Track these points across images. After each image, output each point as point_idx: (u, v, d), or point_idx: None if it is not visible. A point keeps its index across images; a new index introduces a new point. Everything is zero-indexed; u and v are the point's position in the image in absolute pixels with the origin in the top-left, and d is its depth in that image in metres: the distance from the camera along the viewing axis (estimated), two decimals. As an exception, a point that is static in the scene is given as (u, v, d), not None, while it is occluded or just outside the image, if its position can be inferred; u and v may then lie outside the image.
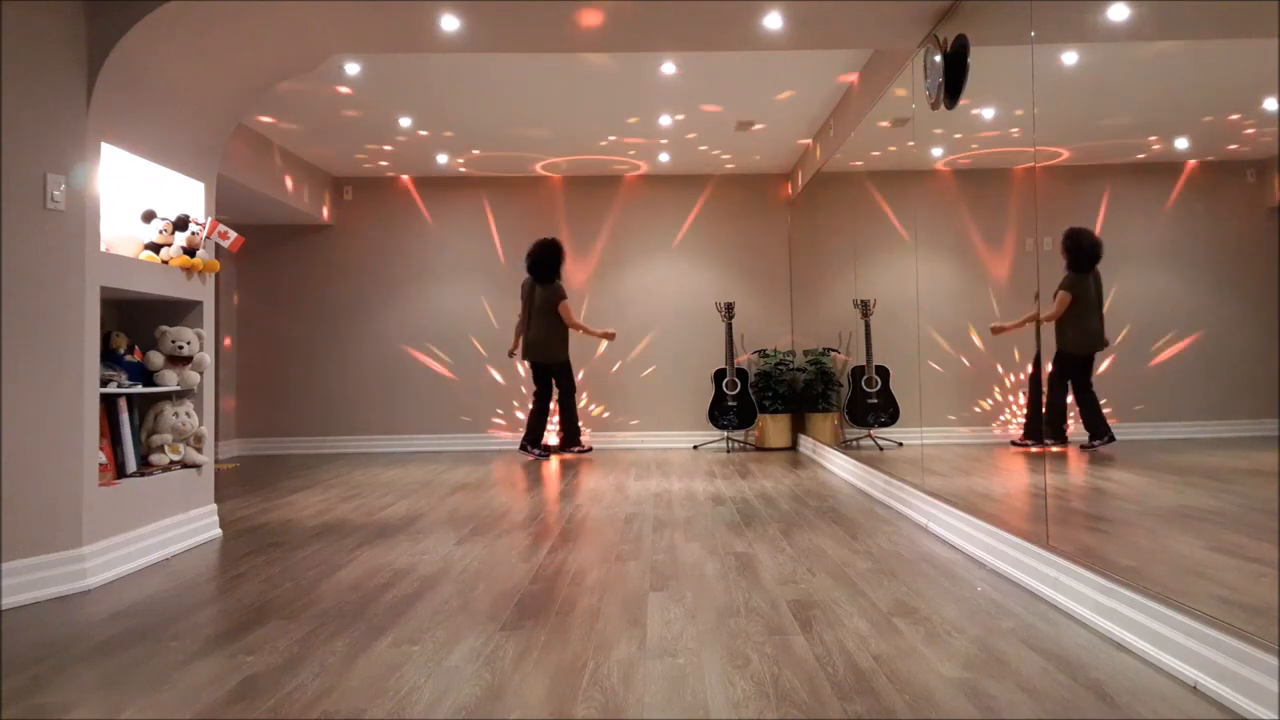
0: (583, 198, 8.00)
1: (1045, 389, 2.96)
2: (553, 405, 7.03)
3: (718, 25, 3.85)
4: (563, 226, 7.95)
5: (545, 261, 6.87)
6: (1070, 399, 2.83)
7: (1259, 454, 1.96)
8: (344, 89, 5.46)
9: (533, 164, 7.56)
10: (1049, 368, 2.94)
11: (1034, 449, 3.11)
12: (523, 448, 6.99)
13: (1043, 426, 2.96)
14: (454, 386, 7.95)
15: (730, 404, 7.53)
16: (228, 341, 7.77)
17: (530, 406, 7.14)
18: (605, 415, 7.97)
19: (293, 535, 3.95)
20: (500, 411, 7.95)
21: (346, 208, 8.02)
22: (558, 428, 7.11)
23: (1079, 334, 2.72)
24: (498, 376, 7.96)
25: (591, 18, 3.73)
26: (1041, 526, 2.81)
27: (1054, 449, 2.90)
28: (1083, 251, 2.65)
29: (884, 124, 4.74)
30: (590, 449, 7.20)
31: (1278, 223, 1.85)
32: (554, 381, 6.93)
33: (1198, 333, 2.20)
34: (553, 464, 6.65)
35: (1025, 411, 3.23)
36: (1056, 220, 2.80)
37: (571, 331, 6.97)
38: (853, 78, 5.39)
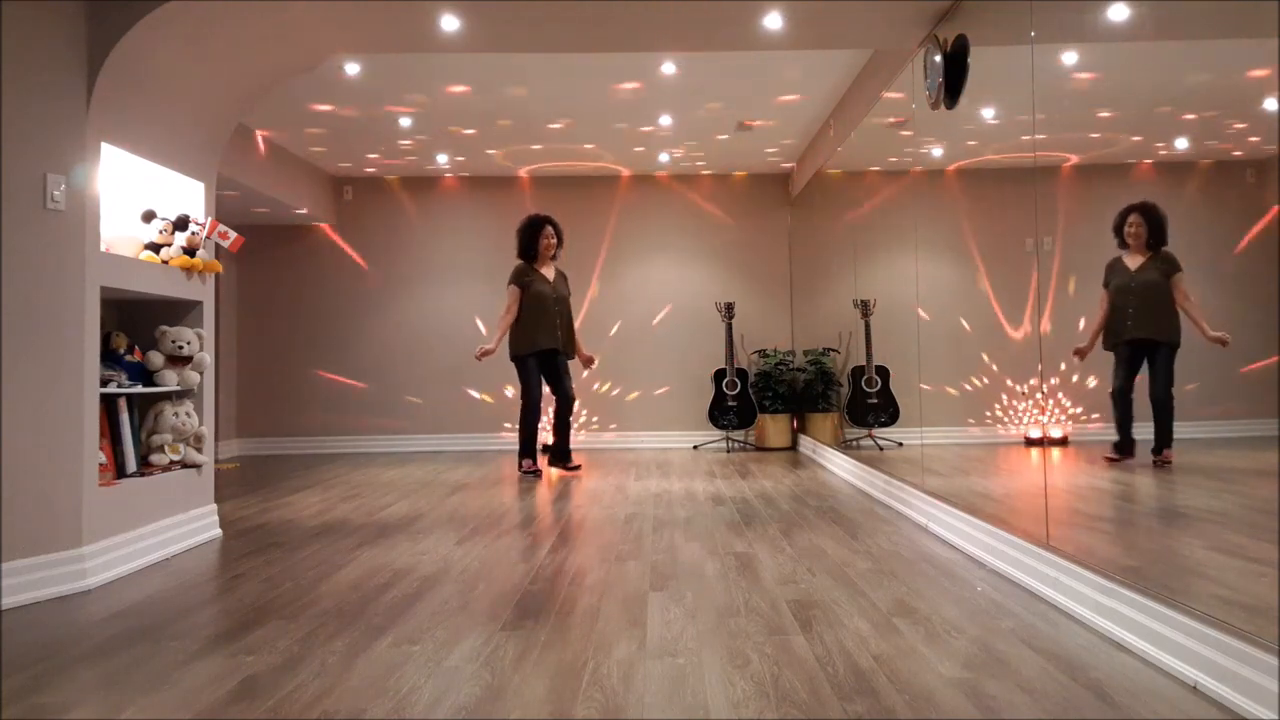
0: (583, 198, 8.00)
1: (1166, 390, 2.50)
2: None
3: (718, 25, 3.85)
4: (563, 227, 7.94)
5: (517, 238, 6.02)
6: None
7: (1259, 454, 1.96)
8: (344, 90, 5.46)
9: (533, 164, 7.56)
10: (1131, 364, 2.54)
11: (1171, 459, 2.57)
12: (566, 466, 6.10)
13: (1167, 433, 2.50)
14: (454, 386, 7.95)
15: (730, 404, 7.53)
16: (235, 342, 7.76)
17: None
18: (604, 416, 7.97)
19: (293, 535, 3.95)
20: (501, 411, 7.94)
21: (346, 208, 8.02)
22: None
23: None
24: (499, 377, 7.96)
25: (591, 18, 3.73)
26: (1041, 526, 2.81)
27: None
28: (1164, 225, 2.35)
29: (884, 124, 4.73)
30: (539, 473, 5.98)
31: (1278, 223, 1.85)
32: None
33: (1196, 332, 2.20)
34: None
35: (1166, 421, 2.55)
36: (1056, 220, 2.80)
37: (507, 324, 5.85)
38: (853, 78, 5.39)
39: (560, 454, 6.09)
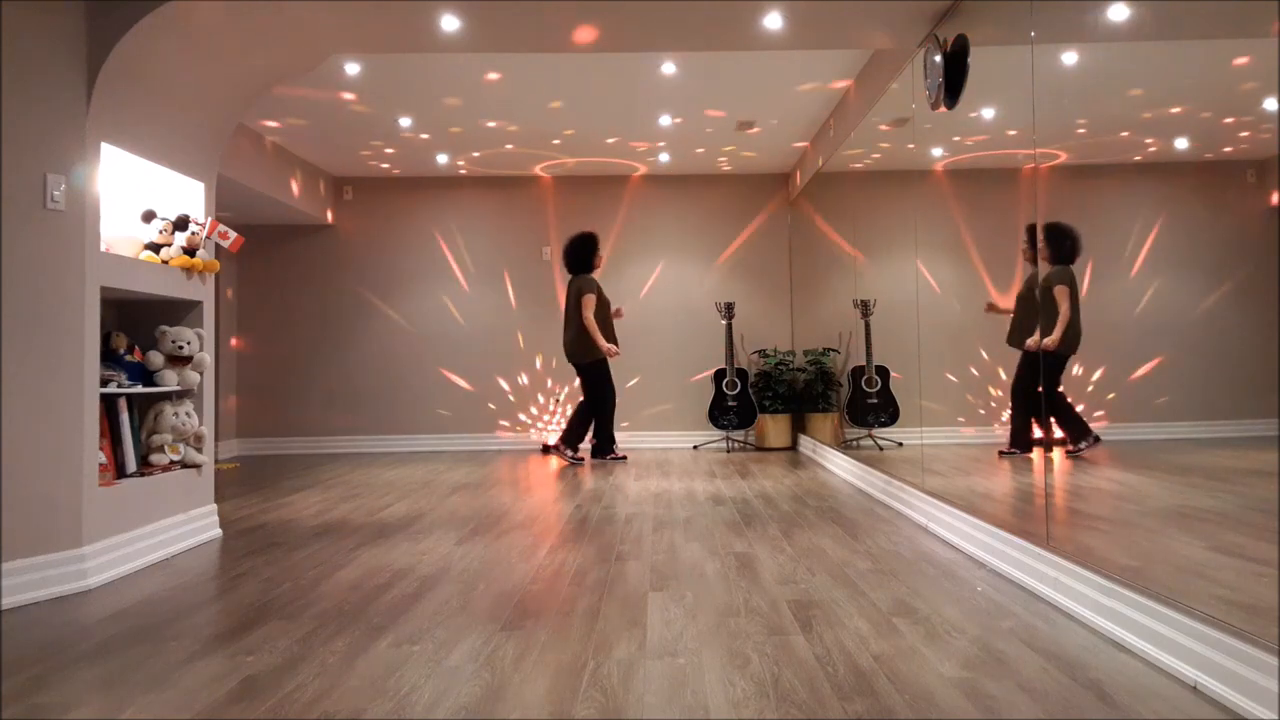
0: (583, 198, 8.00)
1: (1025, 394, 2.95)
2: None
3: (718, 25, 3.85)
4: (563, 226, 7.94)
5: (571, 254, 6.61)
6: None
7: (1259, 454, 1.96)
8: (344, 89, 5.46)
9: (533, 164, 7.56)
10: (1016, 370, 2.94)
11: (1024, 456, 3.14)
12: (556, 448, 6.71)
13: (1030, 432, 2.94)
14: (454, 386, 7.95)
15: (730, 404, 7.53)
16: (235, 341, 7.76)
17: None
18: (605, 415, 7.97)
19: (293, 535, 3.95)
20: (500, 410, 7.95)
21: (346, 208, 8.02)
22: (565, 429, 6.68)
23: (1071, 331, 2.67)
24: (498, 377, 7.96)
25: (591, 18, 3.73)
26: (1041, 526, 2.81)
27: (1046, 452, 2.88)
28: (1072, 242, 2.65)
29: (884, 124, 4.74)
30: (625, 457, 6.79)
31: (1278, 223, 1.85)
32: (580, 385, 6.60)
33: (1197, 332, 2.20)
34: (551, 463, 6.64)
35: (1012, 419, 3.21)
36: (1057, 220, 2.80)
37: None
38: (852, 78, 5.39)
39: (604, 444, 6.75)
